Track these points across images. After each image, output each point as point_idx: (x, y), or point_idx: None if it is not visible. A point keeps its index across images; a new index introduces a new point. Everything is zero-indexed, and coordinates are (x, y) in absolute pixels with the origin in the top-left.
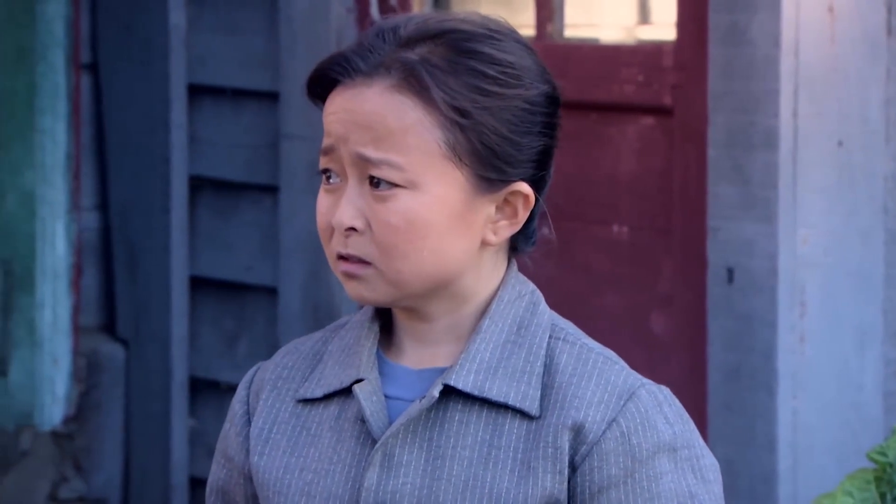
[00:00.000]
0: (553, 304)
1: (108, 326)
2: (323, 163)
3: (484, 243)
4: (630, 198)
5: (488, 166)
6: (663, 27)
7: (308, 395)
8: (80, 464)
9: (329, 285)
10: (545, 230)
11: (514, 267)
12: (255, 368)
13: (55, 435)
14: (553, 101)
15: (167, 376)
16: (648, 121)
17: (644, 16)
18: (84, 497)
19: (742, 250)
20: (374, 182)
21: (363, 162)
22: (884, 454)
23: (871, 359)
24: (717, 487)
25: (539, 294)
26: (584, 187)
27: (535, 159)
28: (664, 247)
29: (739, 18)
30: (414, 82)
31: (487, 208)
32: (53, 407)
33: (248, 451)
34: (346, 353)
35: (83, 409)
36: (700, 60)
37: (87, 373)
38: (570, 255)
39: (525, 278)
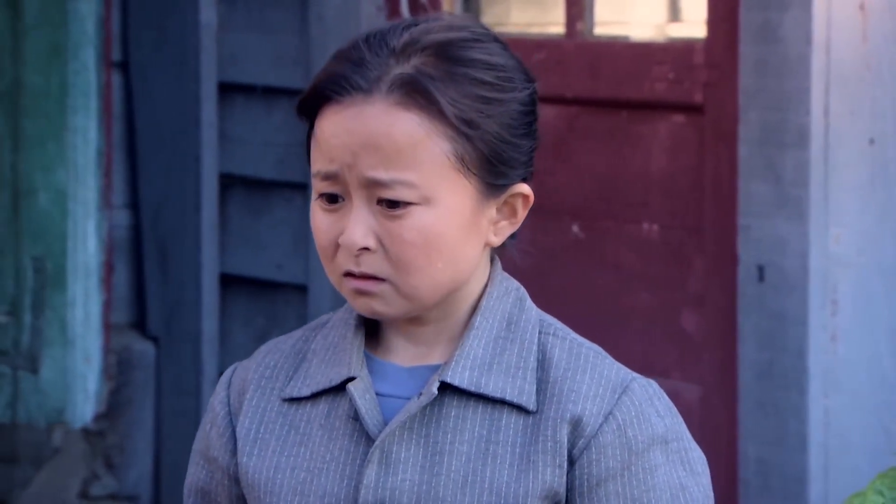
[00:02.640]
0: (584, 302)
1: (140, 324)
2: (323, 187)
3: (486, 245)
4: (661, 196)
5: (494, 173)
6: (694, 25)
7: (295, 394)
8: (112, 461)
9: None
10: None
11: (498, 263)
12: (232, 368)
13: (86, 432)
14: (536, 99)
15: (198, 374)
16: (679, 119)
17: (674, 13)
18: (115, 494)
19: (773, 248)
20: (388, 202)
21: (373, 184)
22: None
23: None
24: (706, 480)
25: (524, 290)
26: (615, 185)
27: (530, 158)
28: (695, 245)
29: (771, 16)
30: (419, 97)
31: (489, 211)
32: (85, 404)
33: (232, 451)
34: (332, 352)
35: (114, 406)
36: (731, 58)
37: (118, 370)
38: (602, 254)
39: (507, 275)
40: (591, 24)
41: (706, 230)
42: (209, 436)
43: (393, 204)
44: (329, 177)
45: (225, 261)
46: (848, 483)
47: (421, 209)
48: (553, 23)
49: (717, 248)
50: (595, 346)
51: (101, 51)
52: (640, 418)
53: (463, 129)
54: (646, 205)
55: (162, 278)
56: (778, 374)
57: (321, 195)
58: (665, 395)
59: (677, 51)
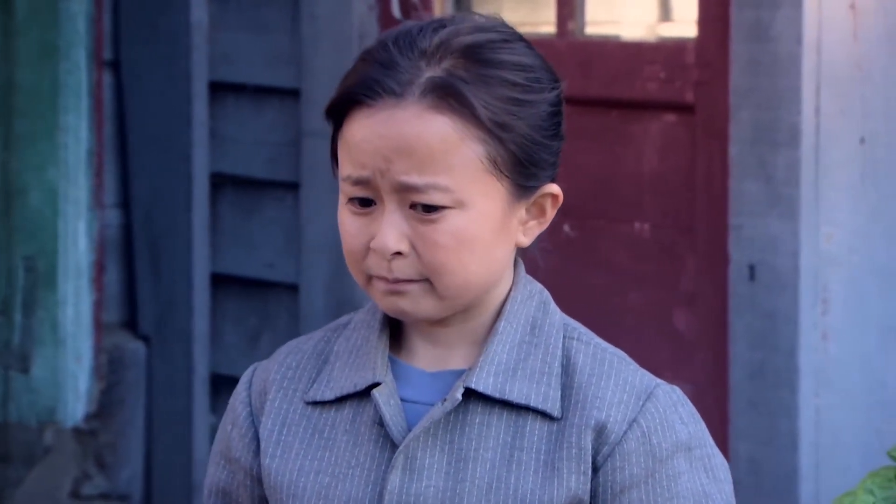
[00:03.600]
0: (576, 302)
1: (131, 323)
2: (354, 192)
3: (515, 245)
4: (653, 195)
5: (526, 174)
6: (685, 24)
7: (318, 398)
8: (103, 461)
9: (351, 283)
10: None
11: (522, 266)
12: (252, 369)
13: (78, 432)
14: (562, 98)
15: (189, 373)
16: (671, 118)
17: (666, 13)
18: (107, 494)
19: (765, 247)
20: (421, 207)
21: (406, 189)
22: None
23: (894, 356)
24: (728, 487)
25: (547, 293)
26: (606, 185)
27: (558, 158)
28: (687, 244)
29: (762, 15)
30: (452, 101)
31: (520, 212)
32: (76, 404)
33: (254, 452)
34: (356, 355)
35: (105, 405)
36: (722, 57)
37: (109, 370)
38: (593, 253)
39: (531, 277)
40: (583, 24)
41: (698, 229)
42: (230, 436)
43: (427, 208)
44: (360, 182)
45: (216, 260)
46: (839, 482)
47: (455, 213)
48: (544, 22)
49: (709, 247)
50: (619, 352)
51: (92, 50)
52: (664, 425)
53: (496, 131)
54: (637, 204)
55: (153, 278)
56: (769, 373)
57: (351, 199)
58: (688, 401)
59: (668, 50)
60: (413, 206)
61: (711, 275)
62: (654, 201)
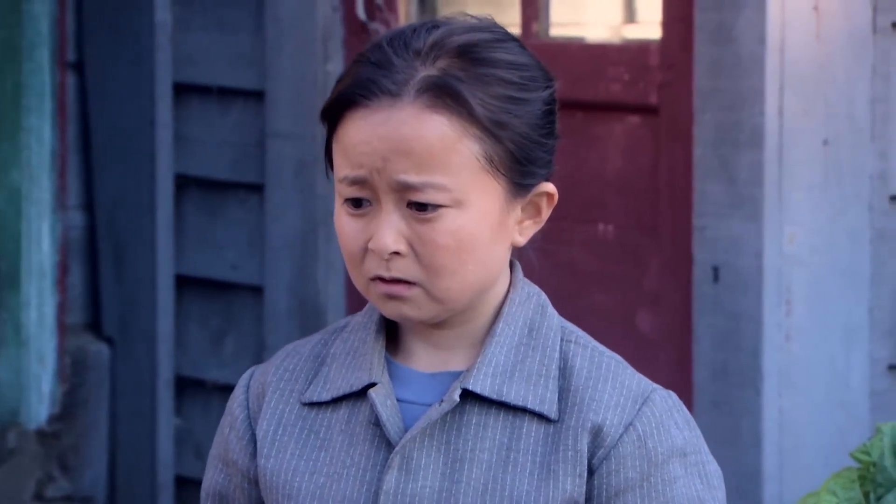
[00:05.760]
0: None
1: (94, 325)
2: (351, 192)
3: (512, 245)
4: (616, 196)
5: (522, 172)
6: (649, 26)
7: (315, 399)
8: (67, 462)
9: (315, 283)
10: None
11: (519, 268)
12: (249, 372)
13: (41, 434)
14: (555, 97)
15: (153, 375)
16: (635, 119)
17: (630, 15)
18: (70, 496)
19: (728, 248)
20: (419, 206)
21: (404, 188)
22: (868, 453)
23: (857, 357)
24: (721, 494)
25: (545, 296)
26: (570, 186)
27: (553, 157)
28: (651, 245)
29: (725, 17)
30: (448, 100)
31: (516, 211)
32: (39, 405)
33: (252, 454)
34: (352, 356)
35: (69, 407)
36: (686, 59)
37: (72, 371)
38: (557, 254)
39: (528, 280)
40: (547, 25)
41: (661, 230)
42: (228, 439)
43: (424, 207)
44: (357, 181)
45: (180, 261)
46: (802, 482)
47: (452, 212)
48: (509, 24)
49: (673, 248)
50: (616, 356)
51: (55, 51)
52: (660, 430)
53: (493, 129)
54: (601, 205)
55: (117, 279)
56: (733, 374)
57: (347, 200)
58: (684, 406)
59: (632, 52)
60: (410, 205)
61: (675, 276)
62: (618, 202)
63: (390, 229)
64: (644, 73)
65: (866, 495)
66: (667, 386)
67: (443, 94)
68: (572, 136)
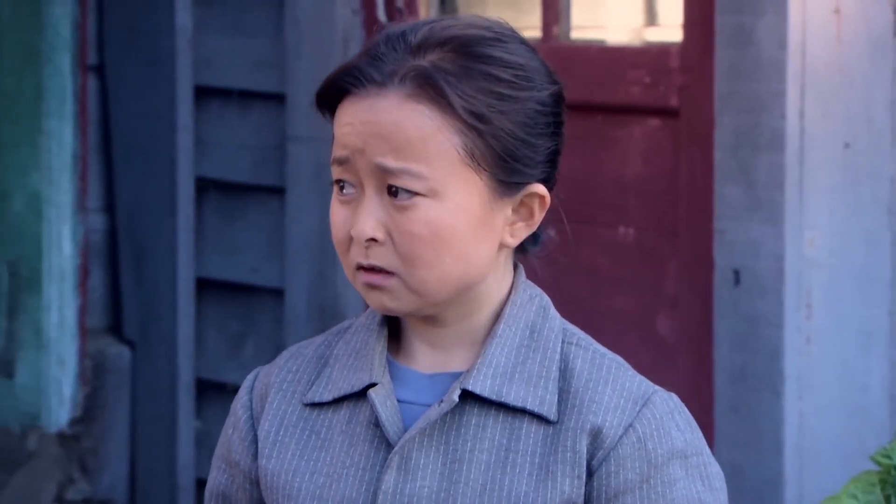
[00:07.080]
0: (559, 306)
1: (115, 328)
2: (337, 173)
3: (501, 246)
4: (636, 199)
5: (506, 170)
6: (670, 29)
7: (316, 399)
8: (87, 465)
9: (335, 287)
10: (549, 231)
11: (522, 270)
12: (254, 373)
13: (61, 436)
14: (560, 101)
15: (173, 378)
16: (655, 122)
17: (650, 17)
18: (90, 499)
19: (748, 252)
20: (394, 191)
21: (382, 172)
22: (888, 457)
23: (877, 360)
24: (723, 496)
25: (547, 298)
26: (590, 189)
27: (548, 160)
28: (670, 248)
29: (746, 20)
30: (430, 90)
31: (505, 211)
32: (60, 408)
33: (254, 455)
34: (355, 357)
35: (89, 410)
36: (706, 62)
37: (93, 374)
38: (577, 257)
39: (531, 282)
40: (567, 28)
41: (681, 233)
42: (231, 440)
43: (399, 193)
44: (341, 162)
45: (200, 265)
46: (822, 486)
47: (428, 202)
48: (529, 26)
49: (692, 251)
50: (617, 358)
51: (76, 54)
52: (660, 432)
53: (473, 122)
54: (621, 208)
55: (137, 282)
56: (752, 377)
57: (335, 183)
58: (685, 409)
59: (653, 55)
60: (390, 193)
61: (695, 279)
62: (637, 205)
63: (369, 216)
64: (664, 76)
65: (887, 499)
66: (686, 389)
67: (425, 85)
68: (592, 139)
